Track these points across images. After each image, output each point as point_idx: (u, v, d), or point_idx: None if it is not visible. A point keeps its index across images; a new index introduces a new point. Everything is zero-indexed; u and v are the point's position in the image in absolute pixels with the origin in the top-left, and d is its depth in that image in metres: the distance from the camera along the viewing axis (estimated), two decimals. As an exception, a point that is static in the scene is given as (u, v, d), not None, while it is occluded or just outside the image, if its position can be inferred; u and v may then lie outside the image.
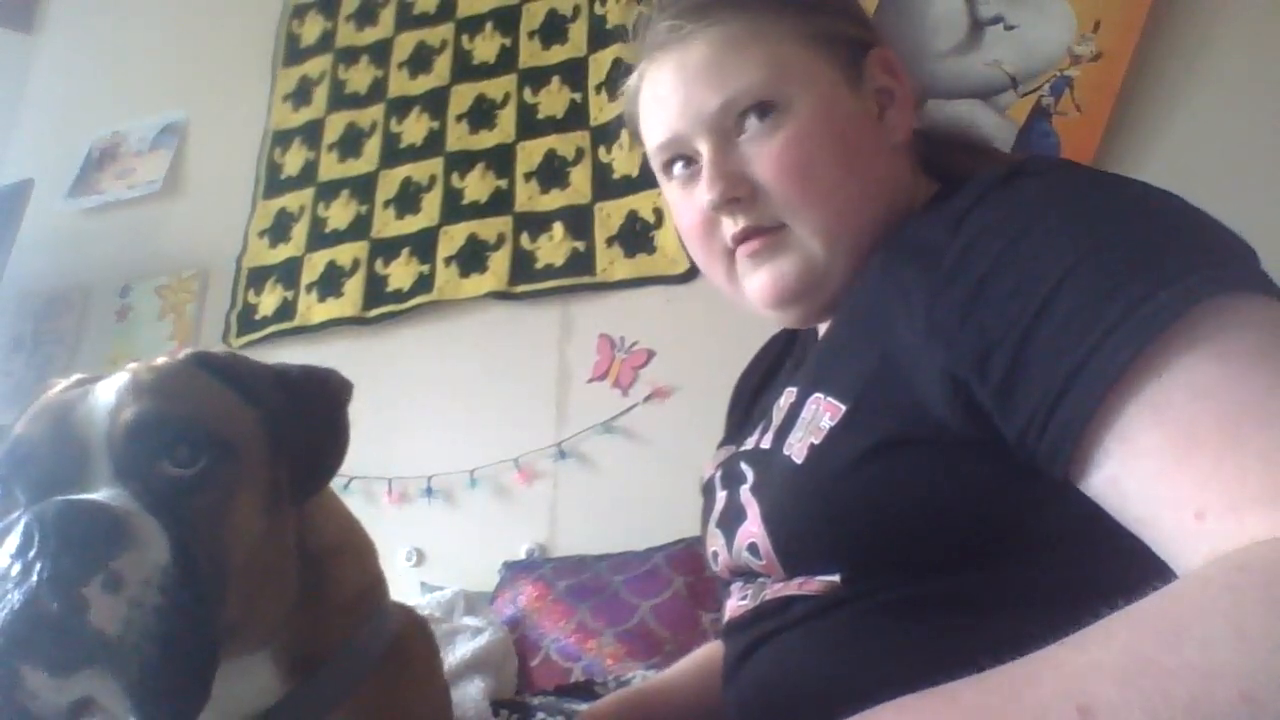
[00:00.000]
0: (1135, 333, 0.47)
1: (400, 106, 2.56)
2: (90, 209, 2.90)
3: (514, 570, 1.87)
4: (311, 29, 2.80)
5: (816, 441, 0.63)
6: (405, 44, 2.63)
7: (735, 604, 0.71)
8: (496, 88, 2.45)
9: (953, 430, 0.56)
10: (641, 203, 2.15)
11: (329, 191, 2.56)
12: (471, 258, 2.29)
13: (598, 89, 2.30)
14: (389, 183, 2.48)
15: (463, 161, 2.40)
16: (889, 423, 0.59)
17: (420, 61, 2.59)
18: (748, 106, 0.71)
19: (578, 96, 2.33)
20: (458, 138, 2.44)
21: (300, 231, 2.55)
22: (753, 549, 0.66)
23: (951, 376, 0.54)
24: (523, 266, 2.23)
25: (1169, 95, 1.74)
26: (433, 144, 2.47)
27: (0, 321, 2.80)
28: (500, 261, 2.26)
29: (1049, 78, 1.82)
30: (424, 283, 2.32)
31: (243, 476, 0.59)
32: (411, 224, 2.40)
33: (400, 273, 2.36)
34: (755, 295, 0.74)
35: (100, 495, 0.53)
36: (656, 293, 2.09)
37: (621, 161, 2.19)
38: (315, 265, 2.48)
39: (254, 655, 0.61)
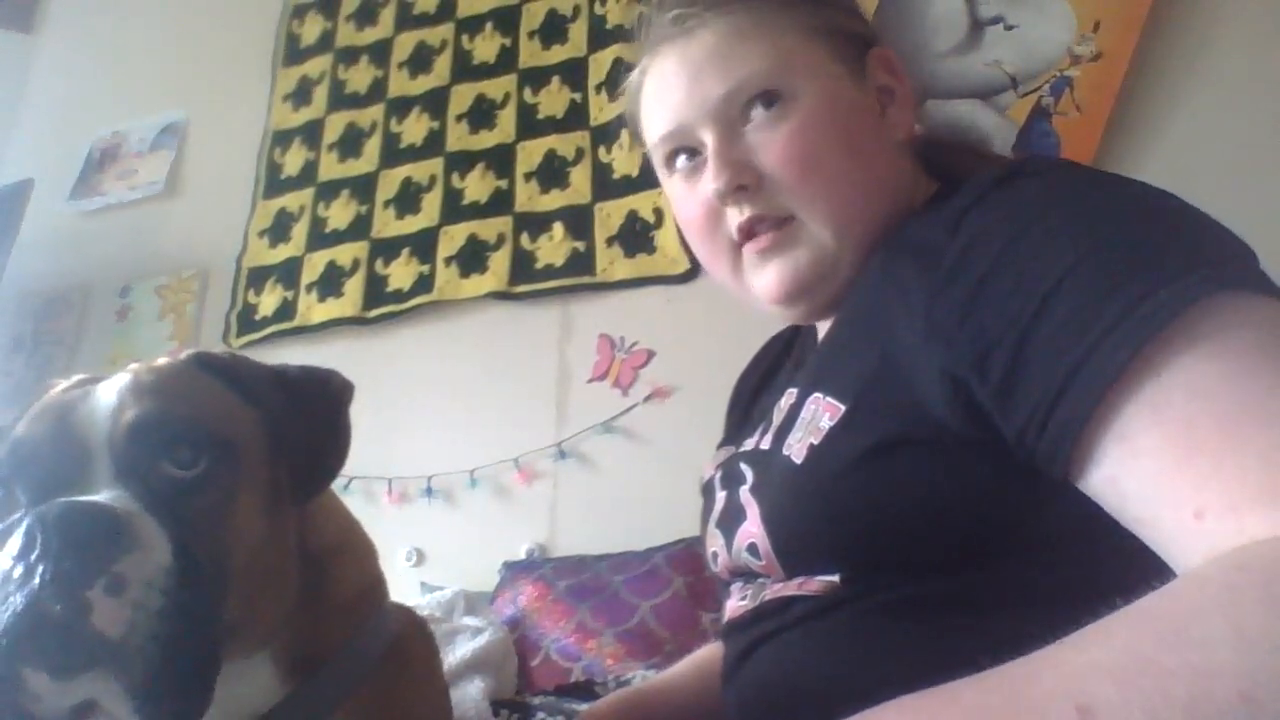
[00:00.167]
0: (1134, 332, 0.47)
1: (400, 106, 2.56)
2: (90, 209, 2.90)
3: (514, 570, 1.87)
4: (311, 29, 2.80)
5: (816, 442, 0.63)
6: (405, 44, 2.63)
7: (735, 604, 0.71)
8: (496, 88, 2.45)
9: (952, 430, 0.56)
10: (641, 203, 2.15)
11: (329, 191, 2.56)
12: (471, 258, 2.29)
13: (598, 89, 2.30)
14: (389, 183, 2.48)
15: (463, 161, 2.40)
16: (889, 423, 0.59)
17: (420, 61, 2.59)
18: (753, 95, 0.71)
19: (578, 96, 2.33)
20: (458, 138, 2.44)
21: (300, 231, 2.55)
22: (752, 549, 0.66)
23: (951, 376, 0.54)
24: (523, 266, 2.23)
25: (1169, 95, 1.74)
26: (433, 144, 2.47)
27: (0, 321, 2.80)
28: (500, 261, 2.26)
29: (1049, 78, 1.82)
30: (424, 283, 2.32)
31: (243, 477, 0.59)
32: (411, 224, 2.40)
33: (400, 273, 2.36)
34: (763, 291, 0.74)
35: (102, 496, 0.53)
36: (656, 293, 2.09)
37: (621, 161, 2.19)
38: (315, 265, 2.48)
39: (254, 656, 0.61)
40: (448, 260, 2.31)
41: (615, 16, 2.31)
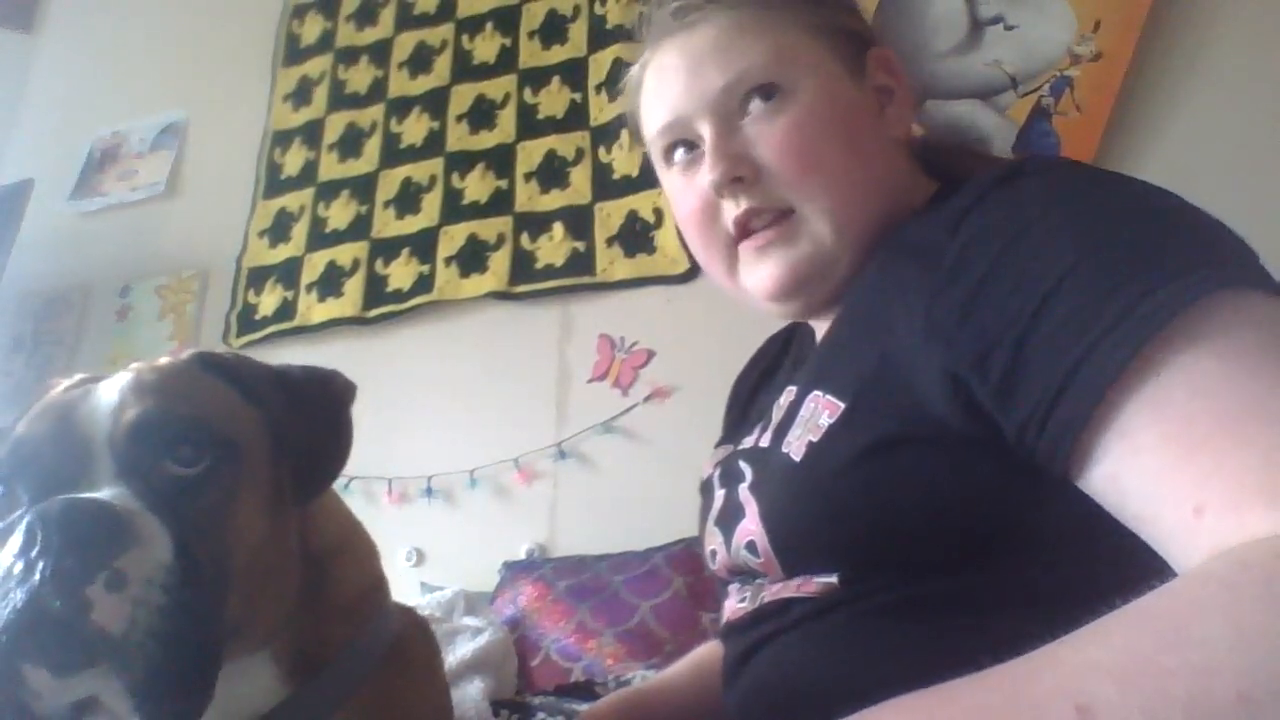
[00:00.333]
0: (1135, 330, 0.47)
1: (400, 106, 2.56)
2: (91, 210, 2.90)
3: (514, 570, 1.87)
4: (311, 29, 2.80)
5: (815, 439, 0.63)
6: (405, 44, 2.63)
7: (734, 605, 0.71)
8: (496, 88, 2.45)
9: (953, 429, 0.56)
10: (641, 203, 2.15)
11: (329, 191, 2.56)
12: (471, 258, 2.29)
13: (598, 89, 2.30)
14: (389, 183, 2.48)
15: (463, 161, 2.40)
16: (888, 422, 0.59)
17: (420, 61, 2.59)
18: (751, 88, 0.71)
19: (578, 96, 2.33)
20: (458, 138, 2.44)
21: (300, 231, 2.55)
22: (751, 547, 0.66)
23: (952, 375, 0.54)
24: (523, 266, 2.23)
25: (1169, 95, 1.75)
26: (433, 144, 2.47)
27: (0, 321, 2.80)
28: (500, 261, 2.26)
29: (1049, 78, 1.82)
30: (424, 283, 2.32)
31: (245, 476, 0.59)
32: (411, 224, 2.40)
33: (400, 273, 2.36)
34: (758, 285, 0.74)
35: (103, 494, 0.52)
36: (656, 293, 2.09)
37: (621, 161, 2.19)
38: (315, 265, 2.48)
39: (255, 656, 0.61)
40: (448, 260, 2.31)
41: (615, 16, 2.31)
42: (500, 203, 2.32)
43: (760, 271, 0.73)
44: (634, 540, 1.78)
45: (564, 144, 2.30)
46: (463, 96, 2.48)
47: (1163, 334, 0.46)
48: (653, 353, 2.06)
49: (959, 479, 0.57)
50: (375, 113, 2.59)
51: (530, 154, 2.33)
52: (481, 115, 2.44)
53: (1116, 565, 0.46)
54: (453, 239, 2.33)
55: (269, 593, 0.61)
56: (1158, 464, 0.45)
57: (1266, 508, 0.41)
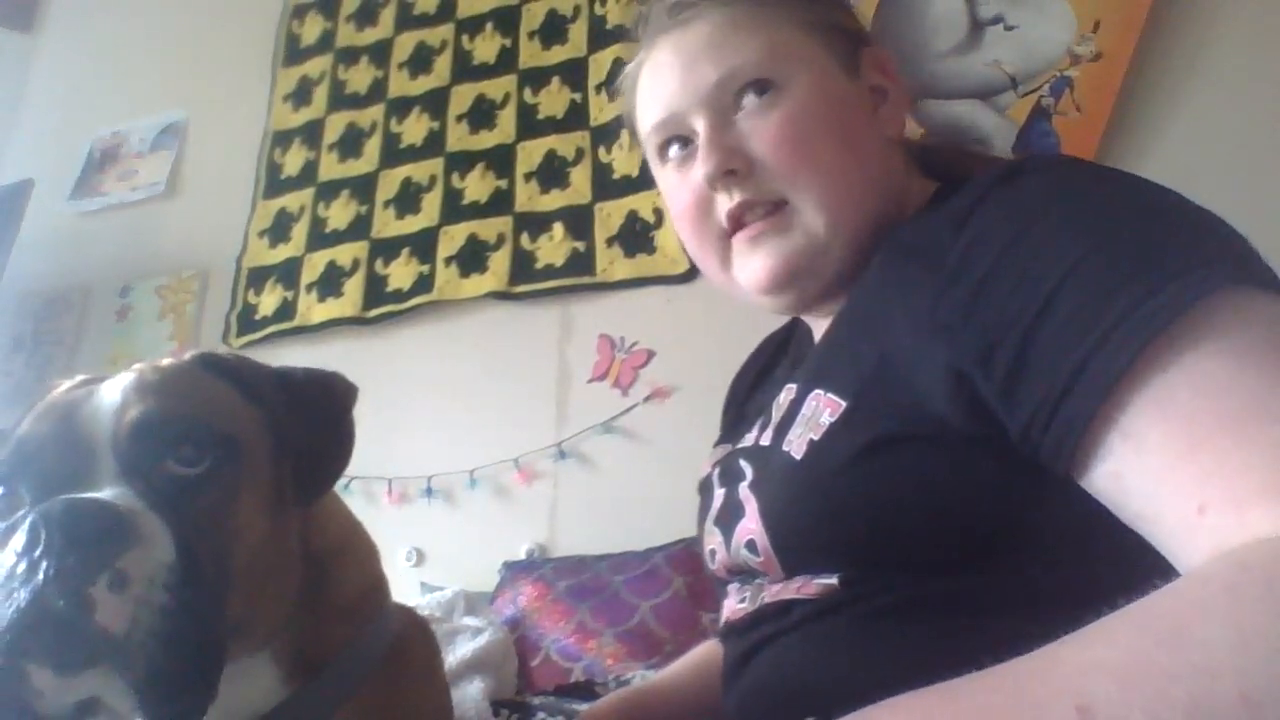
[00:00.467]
0: (1139, 329, 0.47)
1: (400, 107, 2.56)
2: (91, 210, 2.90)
3: (514, 570, 1.87)
4: (311, 29, 2.80)
5: (816, 438, 0.63)
6: (405, 44, 2.63)
7: (734, 605, 0.71)
8: (496, 88, 2.45)
9: (954, 427, 0.56)
10: (641, 203, 2.15)
11: (329, 191, 2.56)
12: (471, 258, 2.29)
13: (598, 89, 2.30)
14: (389, 183, 2.48)
15: (463, 161, 2.41)
16: (889, 420, 0.59)
17: (420, 62, 2.59)
18: (745, 83, 0.71)
19: (578, 97, 2.33)
20: (458, 138, 2.44)
21: (300, 231, 2.55)
22: (751, 546, 0.66)
23: (956, 372, 0.55)
24: (523, 266, 2.23)
25: (1169, 95, 1.75)
26: (433, 144, 2.47)
27: (0, 321, 2.80)
28: (500, 261, 2.26)
29: (1049, 78, 1.82)
30: (424, 283, 2.32)
31: (246, 476, 0.59)
32: (411, 224, 2.40)
33: (400, 273, 2.36)
34: (751, 278, 0.73)
35: (105, 494, 0.53)
36: (656, 293, 2.09)
37: (621, 161, 2.20)
38: (315, 265, 2.48)
39: (255, 656, 0.61)
40: (448, 260, 2.31)
41: (615, 17, 2.31)
42: (500, 203, 2.32)
43: (753, 263, 0.73)
44: (634, 540, 1.78)
45: (564, 144, 2.30)
46: (463, 96, 2.48)
47: (1166, 334, 0.46)
48: (653, 353, 2.06)
49: (959, 478, 0.57)
50: (375, 113, 2.59)
51: (530, 154, 2.33)
52: (481, 115, 2.44)
53: (1117, 565, 0.46)
54: (453, 239, 2.33)
55: (270, 593, 0.61)
56: (1160, 463, 0.45)
57: (1269, 506, 0.41)
